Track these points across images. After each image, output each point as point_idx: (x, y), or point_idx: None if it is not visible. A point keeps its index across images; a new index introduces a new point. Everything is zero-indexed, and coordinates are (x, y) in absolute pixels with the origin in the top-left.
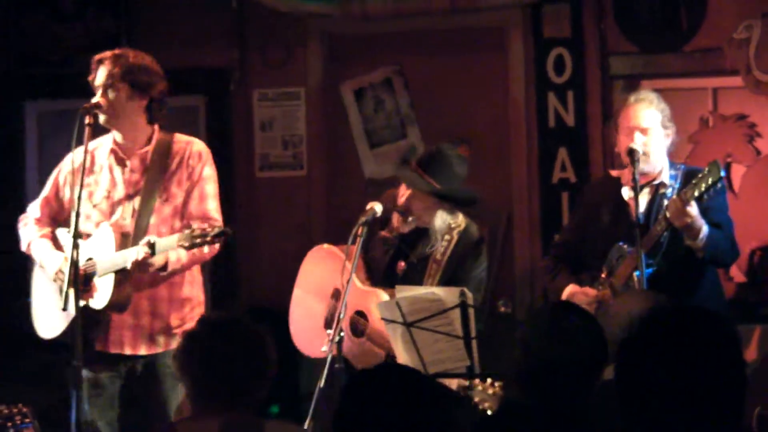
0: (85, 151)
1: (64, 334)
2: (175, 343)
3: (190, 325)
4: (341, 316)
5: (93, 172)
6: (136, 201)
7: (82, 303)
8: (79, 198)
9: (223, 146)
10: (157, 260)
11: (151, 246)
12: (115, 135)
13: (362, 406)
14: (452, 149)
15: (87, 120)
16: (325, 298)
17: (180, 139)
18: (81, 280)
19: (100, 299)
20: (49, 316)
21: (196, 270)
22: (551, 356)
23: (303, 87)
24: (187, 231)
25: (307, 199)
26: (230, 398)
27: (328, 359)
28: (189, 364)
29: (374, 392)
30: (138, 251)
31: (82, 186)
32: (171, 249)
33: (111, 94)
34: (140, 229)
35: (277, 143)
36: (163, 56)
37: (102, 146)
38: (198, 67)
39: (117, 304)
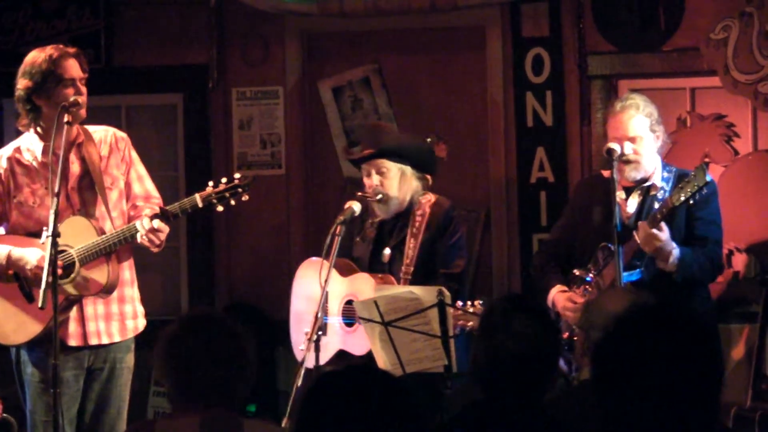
0: (64, 149)
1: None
2: (141, 326)
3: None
4: (319, 314)
5: (26, 173)
6: (83, 191)
7: (73, 292)
8: (58, 195)
9: (201, 145)
10: (167, 229)
11: (164, 214)
12: (50, 133)
13: (325, 410)
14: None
15: (66, 118)
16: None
17: (95, 128)
18: (61, 272)
19: (94, 284)
20: (13, 320)
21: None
22: (503, 351)
23: (281, 85)
24: (210, 189)
25: (286, 197)
26: (210, 396)
27: (306, 357)
28: (168, 362)
29: (338, 395)
30: (150, 222)
31: (59, 185)
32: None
33: (84, 89)
34: (94, 217)
35: (256, 142)
36: (142, 54)
37: (22, 148)
38: (176, 65)
39: (110, 286)
